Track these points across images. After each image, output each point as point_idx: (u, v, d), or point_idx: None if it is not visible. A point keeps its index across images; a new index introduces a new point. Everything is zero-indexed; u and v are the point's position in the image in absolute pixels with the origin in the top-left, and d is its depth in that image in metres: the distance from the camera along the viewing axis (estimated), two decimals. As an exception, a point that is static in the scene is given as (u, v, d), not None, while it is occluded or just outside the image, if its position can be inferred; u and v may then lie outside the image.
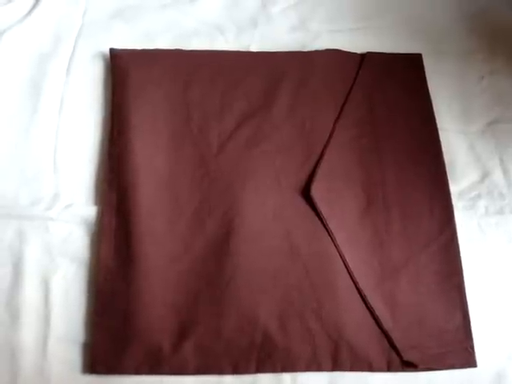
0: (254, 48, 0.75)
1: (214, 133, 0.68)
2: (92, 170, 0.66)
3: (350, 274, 0.61)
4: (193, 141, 0.67)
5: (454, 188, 0.68)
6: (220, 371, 0.57)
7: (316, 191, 0.64)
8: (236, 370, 0.57)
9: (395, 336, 0.59)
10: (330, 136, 0.68)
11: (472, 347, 0.60)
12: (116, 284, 0.59)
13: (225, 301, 0.59)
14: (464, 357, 0.60)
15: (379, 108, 0.71)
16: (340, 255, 0.62)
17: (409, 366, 0.59)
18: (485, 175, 0.69)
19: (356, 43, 0.76)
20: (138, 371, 0.57)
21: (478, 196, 0.68)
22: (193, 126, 0.68)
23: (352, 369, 0.58)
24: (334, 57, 0.74)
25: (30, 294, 0.60)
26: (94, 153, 0.67)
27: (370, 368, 0.59)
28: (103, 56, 0.73)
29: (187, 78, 0.71)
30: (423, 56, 0.76)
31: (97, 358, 0.57)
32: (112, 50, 0.72)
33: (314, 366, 0.58)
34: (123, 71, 0.70)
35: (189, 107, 0.69)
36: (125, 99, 0.68)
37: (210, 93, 0.70)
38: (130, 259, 0.60)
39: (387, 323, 0.60)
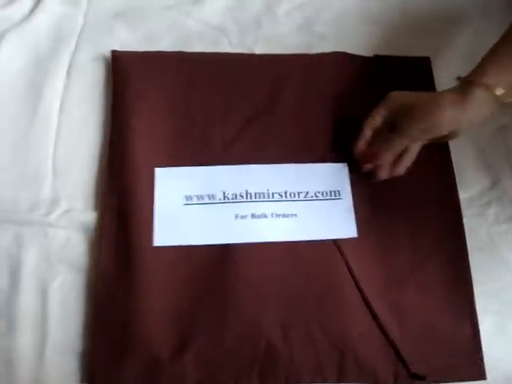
0: (258, 50, 0.74)
1: (217, 136, 0.66)
2: (92, 174, 0.65)
3: (355, 282, 0.60)
4: (195, 144, 0.66)
5: (464, 195, 0.66)
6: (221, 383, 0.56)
7: (320, 197, 0.63)
8: (238, 382, 0.56)
9: (402, 347, 0.58)
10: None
11: (481, 359, 0.58)
12: (115, 292, 0.58)
13: (226, 309, 0.58)
14: (473, 369, 0.58)
15: None
16: (345, 262, 0.60)
17: (416, 378, 0.57)
18: (495, 181, 0.68)
19: (363, 45, 0.74)
20: (136, 382, 0.55)
21: (488, 203, 0.66)
22: (195, 130, 0.66)
23: (357, 380, 0.57)
24: (340, 59, 0.73)
25: (28, 301, 0.58)
26: (94, 157, 0.66)
27: (376, 380, 0.57)
28: (104, 58, 0.71)
29: (190, 81, 0.69)
30: (431, 59, 0.74)
31: (94, 368, 0.56)
32: (114, 52, 0.70)
33: (319, 377, 0.57)
34: (124, 73, 0.69)
35: (191, 110, 0.67)
36: (125, 102, 0.67)
37: (213, 95, 0.69)
38: (129, 266, 0.59)
39: (394, 333, 0.58)
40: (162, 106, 0.67)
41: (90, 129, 0.68)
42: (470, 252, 0.63)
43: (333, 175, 0.65)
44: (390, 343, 0.58)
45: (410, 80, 0.72)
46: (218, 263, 0.60)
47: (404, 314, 0.60)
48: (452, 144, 0.68)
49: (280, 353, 0.57)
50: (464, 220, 0.65)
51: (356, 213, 0.64)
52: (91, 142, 0.67)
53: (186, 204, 0.63)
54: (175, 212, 0.62)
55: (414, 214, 0.64)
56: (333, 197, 0.64)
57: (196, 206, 0.63)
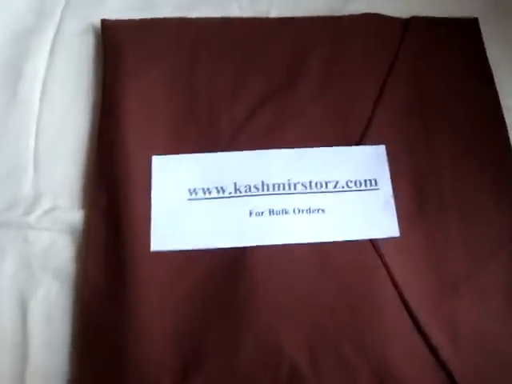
0: (273, 14, 0.64)
1: (225, 118, 0.57)
2: (79, 167, 0.57)
3: (398, 291, 0.51)
4: (199, 129, 0.57)
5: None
6: (234, 419, 0.47)
7: (353, 188, 0.55)
8: None
9: (456, 369, 0.48)
10: (370, 120, 0.58)
11: None
12: (105, 306, 0.50)
13: (241, 328, 0.49)
14: None
15: (428, 84, 0.60)
16: (385, 267, 0.51)
17: None
18: None
19: (398, 6, 0.64)
20: (131, 418, 0.47)
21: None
22: (199, 111, 0.58)
23: None
24: (372, 23, 0.63)
25: (4, 317, 0.51)
26: (81, 147, 0.58)
27: None
28: (94, 30, 0.63)
29: (193, 52, 0.60)
30: (480, 20, 0.64)
31: (80, 401, 0.48)
32: (104, 21, 0.62)
33: None
34: (117, 46, 0.60)
35: (194, 88, 0.59)
36: (118, 80, 0.58)
37: (220, 70, 0.60)
38: (122, 276, 0.50)
39: (446, 353, 0.49)
40: (161, 83, 0.59)
41: (77, 113, 0.59)
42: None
43: (368, 160, 0.56)
44: (441, 365, 0.49)
45: (455, 45, 0.62)
46: (229, 271, 0.51)
47: (457, 329, 0.51)
48: (508, 120, 0.59)
49: (306, 380, 0.48)
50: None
51: (397, 206, 0.54)
52: (79, 129, 0.59)
53: (190, 199, 0.54)
54: (177, 209, 0.54)
55: (468, 207, 0.55)
56: (368, 187, 0.55)
57: (202, 202, 0.54)
